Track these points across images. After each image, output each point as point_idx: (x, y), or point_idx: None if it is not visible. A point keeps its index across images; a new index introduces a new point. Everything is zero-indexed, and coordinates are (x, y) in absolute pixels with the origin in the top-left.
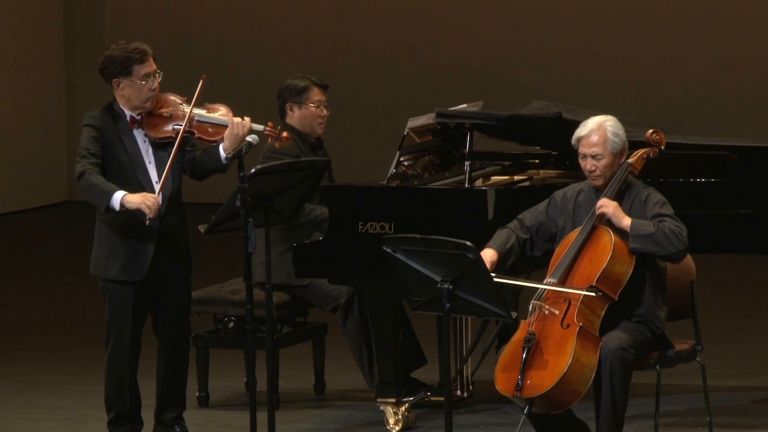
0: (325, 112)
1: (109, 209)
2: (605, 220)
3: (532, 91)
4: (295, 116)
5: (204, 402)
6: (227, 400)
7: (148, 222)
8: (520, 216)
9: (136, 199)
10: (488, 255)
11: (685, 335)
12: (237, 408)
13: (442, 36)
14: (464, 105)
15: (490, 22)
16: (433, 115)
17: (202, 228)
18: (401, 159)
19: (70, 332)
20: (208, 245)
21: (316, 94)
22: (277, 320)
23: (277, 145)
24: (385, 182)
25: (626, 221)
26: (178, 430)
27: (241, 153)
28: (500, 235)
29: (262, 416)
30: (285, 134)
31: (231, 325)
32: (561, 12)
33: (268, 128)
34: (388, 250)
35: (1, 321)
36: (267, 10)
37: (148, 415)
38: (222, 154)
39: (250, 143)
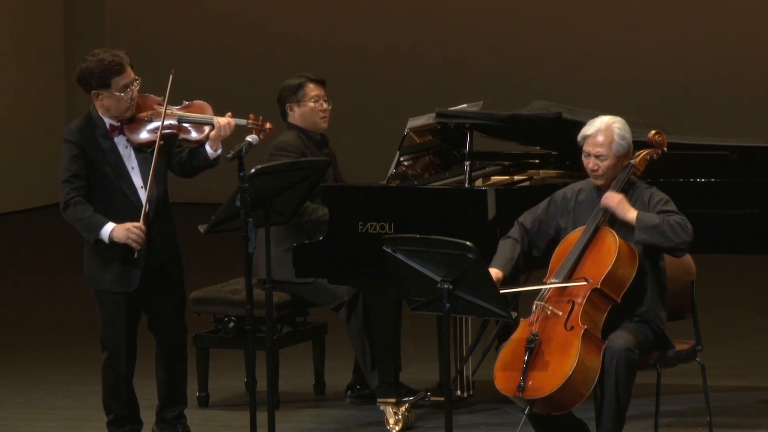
0: (325, 105)
1: (98, 242)
2: (609, 215)
3: (532, 91)
4: (296, 115)
5: (204, 402)
6: (227, 400)
7: (136, 255)
8: (520, 219)
9: (121, 235)
10: (493, 275)
11: (685, 335)
12: (237, 408)
13: (442, 36)
14: (464, 105)
15: (490, 22)
16: (433, 115)
17: (202, 228)
18: (401, 159)
19: (70, 332)
20: (208, 245)
21: (312, 90)
22: (277, 320)
23: (261, 137)
24: (385, 182)
25: (632, 213)
26: (179, 429)
27: (242, 153)
28: (504, 249)
29: (262, 416)
30: (268, 125)
31: (231, 325)
32: (561, 12)
33: (250, 121)
34: (388, 250)
35: (1, 321)
36: (266, 10)
37: (148, 415)
38: (209, 151)
39: (250, 143)
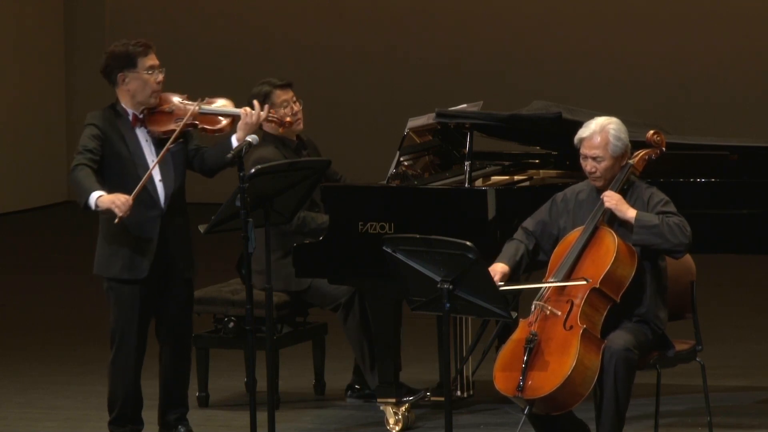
0: (295, 108)
1: (87, 207)
2: (608, 215)
3: (532, 92)
4: (269, 125)
5: (204, 402)
6: (227, 400)
7: (117, 220)
8: (523, 224)
9: (107, 200)
10: (499, 268)
11: (685, 335)
12: (237, 408)
13: (441, 37)
14: (464, 105)
15: (490, 23)
16: (433, 115)
17: (202, 228)
18: (401, 159)
19: (70, 332)
20: (208, 245)
21: (279, 96)
22: (277, 320)
23: (281, 130)
24: (385, 182)
25: (631, 212)
26: (182, 429)
27: (241, 153)
28: (509, 248)
29: (262, 416)
30: (288, 119)
31: (231, 325)
32: (561, 12)
33: (271, 114)
34: (388, 250)
35: (1, 321)
36: (266, 11)
37: (148, 415)
38: (235, 144)
39: (249, 143)
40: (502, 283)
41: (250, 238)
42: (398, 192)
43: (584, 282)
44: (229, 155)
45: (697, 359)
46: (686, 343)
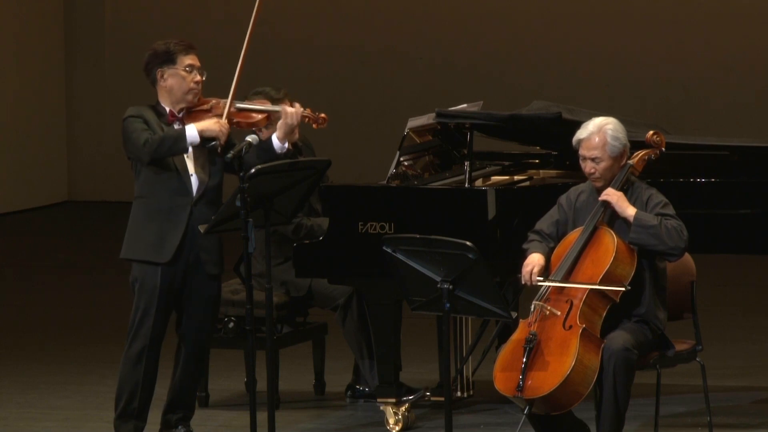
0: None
1: (184, 149)
2: (608, 214)
3: (532, 92)
4: (264, 136)
5: (204, 402)
6: (227, 400)
7: (219, 149)
8: (536, 228)
9: (215, 127)
10: (536, 259)
11: (685, 335)
12: (237, 408)
13: (441, 37)
14: (464, 105)
15: (490, 23)
16: (433, 115)
17: (202, 228)
18: (401, 159)
19: (70, 332)
20: None
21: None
22: (277, 320)
23: (314, 126)
24: (385, 182)
25: (630, 210)
26: (182, 430)
27: (242, 153)
28: (534, 245)
29: (262, 416)
30: (322, 115)
31: (231, 325)
32: (560, 12)
33: (306, 112)
34: (388, 250)
35: (1, 321)
36: (267, 11)
37: (150, 414)
38: (277, 144)
39: (250, 143)
40: (540, 278)
41: (250, 238)
42: (398, 192)
43: (623, 288)
44: (229, 156)
45: (697, 359)
46: (686, 343)
